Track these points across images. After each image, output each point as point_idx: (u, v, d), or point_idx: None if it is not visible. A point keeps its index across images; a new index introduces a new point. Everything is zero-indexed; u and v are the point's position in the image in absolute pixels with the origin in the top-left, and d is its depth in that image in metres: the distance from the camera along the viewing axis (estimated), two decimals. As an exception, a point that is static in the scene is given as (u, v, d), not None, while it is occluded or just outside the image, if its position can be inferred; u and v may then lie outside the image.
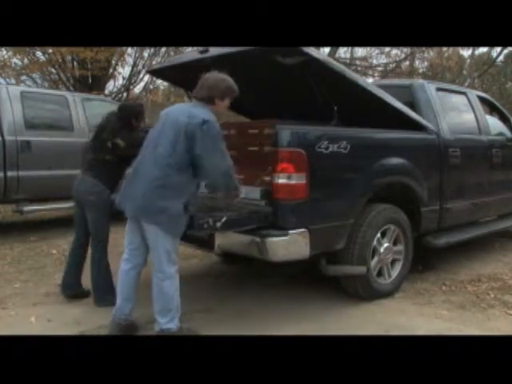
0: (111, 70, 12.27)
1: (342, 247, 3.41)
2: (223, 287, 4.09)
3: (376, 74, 15.06)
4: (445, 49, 14.97)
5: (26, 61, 11.36)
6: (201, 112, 2.72)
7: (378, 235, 3.62)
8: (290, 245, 3.04)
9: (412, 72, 15.35)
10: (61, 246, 5.38)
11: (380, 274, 3.72)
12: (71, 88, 11.54)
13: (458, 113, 4.79)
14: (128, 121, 3.56)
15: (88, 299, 3.67)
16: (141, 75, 13.18)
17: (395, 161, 3.70)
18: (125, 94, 13.47)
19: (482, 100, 5.34)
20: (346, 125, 3.56)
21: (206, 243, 3.34)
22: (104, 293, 3.55)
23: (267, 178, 3.14)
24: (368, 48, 14.95)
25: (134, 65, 12.94)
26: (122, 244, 3.49)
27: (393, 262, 3.82)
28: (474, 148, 4.67)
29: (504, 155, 5.00)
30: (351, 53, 16.20)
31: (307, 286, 4.00)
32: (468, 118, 4.86)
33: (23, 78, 11.72)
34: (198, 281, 4.26)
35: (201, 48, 3.57)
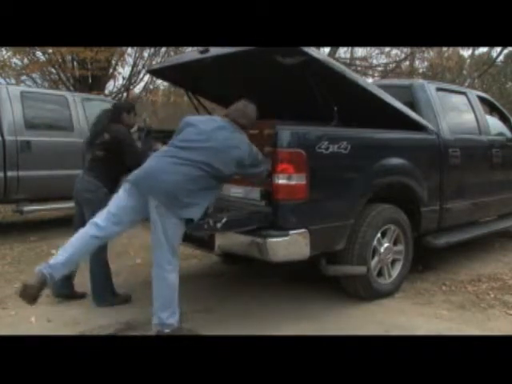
0: (111, 70, 12.28)
1: (342, 247, 3.41)
2: (223, 287, 4.09)
3: (376, 74, 15.06)
4: (445, 49, 14.98)
5: (25, 61, 11.37)
6: (244, 143, 2.97)
7: (378, 235, 3.62)
8: (290, 245, 3.04)
9: (412, 72, 15.36)
10: (61, 246, 5.37)
11: (380, 273, 3.72)
12: (71, 88, 11.54)
13: (458, 113, 4.78)
14: (119, 115, 3.61)
15: (88, 299, 3.66)
16: (141, 75, 13.20)
17: (395, 161, 3.70)
18: (125, 94, 13.47)
19: (482, 100, 5.33)
20: (346, 125, 3.56)
21: (206, 243, 3.34)
22: (103, 293, 3.55)
23: (267, 179, 3.13)
24: (368, 48, 14.96)
25: (134, 65, 12.95)
26: (121, 244, 3.50)
27: (393, 261, 3.82)
28: (474, 148, 4.67)
29: (504, 155, 4.99)
30: (351, 53, 16.21)
31: (307, 285, 4.00)
32: (468, 118, 4.86)
33: (23, 77, 11.73)
34: (197, 281, 4.26)
35: (201, 48, 3.57)
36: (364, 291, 3.62)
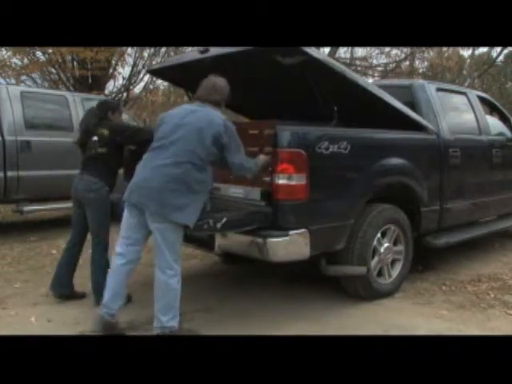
0: (111, 70, 12.27)
1: (342, 247, 3.41)
2: (223, 287, 4.09)
3: (376, 74, 15.05)
4: (445, 49, 14.98)
5: (25, 61, 11.36)
6: (218, 117, 2.83)
7: (378, 235, 3.62)
8: (290, 245, 3.04)
9: (412, 72, 15.35)
10: (61, 246, 5.36)
11: (380, 274, 3.72)
12: (71, 88, 11.54)
13: (458, 113, 4.78)
14: (105, 114, 3.62)
15: (88, 299, 3.66)
16: (141, 75, 13.19)
17: (395, 161, 3.70)
18: (125, 94, 13.47)
19: (482, 100, 5.33)
20: (346, 125, 3.56)
21: (206, 244, 3.34)
22: (103, 293, 3.54)
23: (267, 179, 3.14)
24: (368, 48, 14.96)
25: (134, 65, 12.94)
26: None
27: (393, 262, 3.82)
28: (474, 148, 4.67)
29: (504, 155, 4.99)
30: (351, 53, 16.20)
31: (307, 285, 4.00)
32: (468, 118, 4.86)
33: (23, 77, 11.71)
34: (198, 281, 4.26)
35: (201, 48, 3.57)
36: (364, 291, 3.62)
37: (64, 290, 3.66)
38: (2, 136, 5.66)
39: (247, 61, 3.47)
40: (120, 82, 13.35)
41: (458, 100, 4.87)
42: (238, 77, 4.08)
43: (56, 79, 12.01)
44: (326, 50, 13.75)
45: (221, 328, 3.13)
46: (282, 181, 3.03)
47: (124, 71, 13.27)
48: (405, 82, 5.13)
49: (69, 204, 5.07)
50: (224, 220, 2.84)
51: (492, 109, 5.62)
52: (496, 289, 4.01)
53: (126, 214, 2.94)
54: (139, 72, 13.09)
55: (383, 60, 15.62)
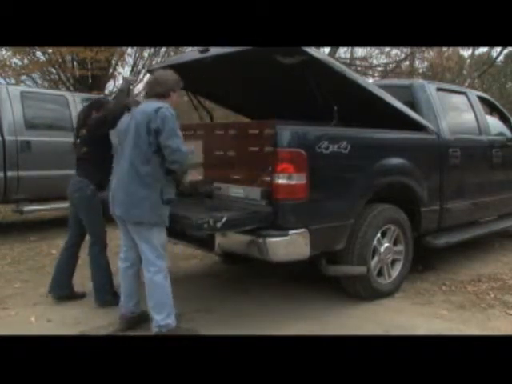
0: (111, 70, 12.28)
1: (342, 247, 3.41)
2: (223, 287, 4.09)
3: (376, 74, 15.06)
4: (445, 49, 14.96)
5: (25, 61, 11.36)
6: (152, 106, 2.83)
7: (379, 235, 3.62)
8: (290, 245, 3.04)
9: (412, 72, 15.35)
10: (61, 246, 5.34)
11: (380, 273, 3.71)
12: (71, 88, 11.54)
13: (458, 113, 4.78)
14: (89, 114, 3.64)
15: (88, 299, 3.67)
16: (141, 75, 13.19)
17: (395, 161, 3.70)
18: (125, 94, 13.43)
19: (482, 100, 5.33)
20: (346, 125, 3.56)
21: (206, 243, 3.34)
22: (103, 293, 3.55)
23: (267, 179, 3.13)
24: (368, 48, 14.96)
25: (134, 65, 12.96)
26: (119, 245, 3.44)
27: (393, 261, 3.82)
28: (474, 148, 4.67)
29: (504, 155, 4.99)
30: (351, 53, 16.21)
31: (307, 285, 4.00)
32: (468, 118, 4.86)
33: (23, 77, 11.71)
34: (198, 281, 4.26)
35: (201, 48, 3.57)
36: (364, 291, 3.62)
37: (63, 292, 3.66)
38: (2, 136, 5.66)
39: (247, 61, 3.47)
40: (120, 82, 13.36)
41: (458, 100, 4.86)
42: (238, 77, 4.10)
43: (56, 79, 12.02)
44: (326, 50, 13.76)
45: (221, 328, 3.13)
46: (282, 180, 3.03)
47: (124, 71, 13.29)
48: (405, 81, 5.13)
49: (68, 204, 5.09)
50: (224, 219, 2.84)
51: (492, 109, 5.62)
52: (496, 289, 4.01)
53: (118, 224, 3.11)
54: (139, 72, 13.10)
55: (383, 60, 15.66)
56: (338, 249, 3.40)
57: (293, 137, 3.07)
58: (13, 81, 11.04)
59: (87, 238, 3.68)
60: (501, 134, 5.25)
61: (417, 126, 4.04)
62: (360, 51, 16.05)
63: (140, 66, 13.04)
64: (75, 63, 11.38)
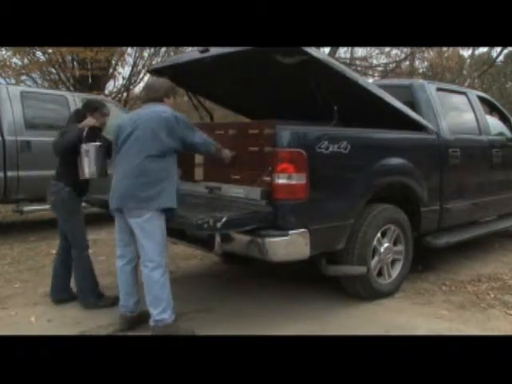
0: (111, 70, 12.29)
1: (342, 247, 3.41)
2: (223, 287, 4.09)
3: (376, 74, 15.07)
4: (445, 49, 14.98)
5: (25, 61, 11.36)
6: (165, 112, 2.98)
7: (379, 235, 3.62)
8: (290, 245, 3.04)
9: (412, 72, 15.37)
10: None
11: (380, 273, 3.71)
12: (71, 88, 11.55)
13: (458, 113, 4.78)
14: (83, 116, 3.59)
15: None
16: (141, 75, 13.21)
17: (395, 161, 3.70)
18: (125, 94, 13.47)
19: (482, 100, 5.33)
20: (346, 125, 3.56)
21: (206, 243, 3.34)
22: (85, 295, 3.55)
23: (267, 178, 3.14)
24: (368, 48, 14.97)
25: (134, 65, 12.97)
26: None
27: (393, 261, 3.82)
28: (474, 148, 4.67)
29: (504, 155, 4.99)
30: (351, 53, 16.22)
31: (307, 285, 4.00)
32: (468, 117, 4.86)
33: (23, 77, 11.72)
34: (198, 281, 4.26)
35: (201, 48, 3.57)
36: (364, 291, 3.62)
37: (62, 296, 3.65)
38: (2, 136, 5.66)
39: (247, 61, 3.47)
40: (120, 81, 13.38)
41: (458, 100, 4.86)
42: (238, 77, 4.10)
43: (56, 79, 12.02)
44: (326, 50, 13.77)
45: (221, 328, 3.13)
46: (281, 180, 3.03)
47: (124, 71, 13.33)
48: (405, 81, 5.12)
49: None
50: (224, 219, 2.84)
51: (492, 109, 5.62)
52: (496, 289, 4.01)
53: (115, 219, 3.13)
54: (139, 72, 13.11)
55: (383, 60, 15.67)
56: (338, 249, 3.40)
57: (293, 137, 3.07)
58: (13, 81, 11.05)
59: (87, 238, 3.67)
60: (501, 133, 5.26)
61: (417, 126, 4.04)
62: (360, 51, 16.08)
63: (140, 66, 13.07)
64: (75, 63, 11.39)
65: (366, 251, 3.52)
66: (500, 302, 3.71)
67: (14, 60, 11.14)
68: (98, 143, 3.47)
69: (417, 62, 16.15)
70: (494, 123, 5.31)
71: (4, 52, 10.86)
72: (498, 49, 17.24)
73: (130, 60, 12.84)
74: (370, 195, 3.54)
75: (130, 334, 3.07)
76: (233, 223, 2.92)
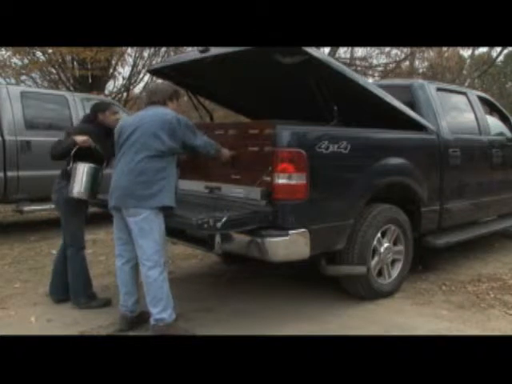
0: (111, 70, 12.29)
1: (342, 247, 3.41)
2: (223, 287, 4.09)
3: (376, 74, 15.07)
4: (445, 49, 14.97)
5: (25, 61, 11.36)
6: (168, 114, 2.99)
7: (379, 235, 3.62)
8: (290, 245, 3.04)
9: (412, 72, 15.37)
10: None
11: (380, 273, 3.71)
12: (71, 88, 11.54)
13: (458, 113, 4.78)
14: (94, 117, 3.64)
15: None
16: (141, 75, 13.20)
17: (395, 161, 3.70)
18: (125, 94, 13.47)
19: (482, 100, 5.33)
20: (346, 125, 3.56)
21: (206, 243, 3.34)
22: (77, 295, 3.55)
23: (267, 178, 3.14)
24: (368, 48, 14.95)
25: (134, 65, 12.96)
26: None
27: (393, 261, 3.82)
28: (473, 148, 4.67)
29: (504, 155, 4.99)
30: (351, 53, 16.20)
31: (307, 285, 4.00)
32: (468, 117, 4.86)
33: (23, 77, 11.72)
34: (198, 281, 4.26)
35: (201, 47, 3.57)
36: (364, 291, 3.62)
37: (62, 295, 3.65)
38: (2, 136, 5.66)
39: (247, 61, 3.47)
40: (120, 81, 13.38)
41: (458, 100, 4.86)
42: (238, 76, 4.10)
43: (56, 79, 12.02)
44: (326, 50, 13.76)
45: (221, 328, 3.13)
46: (281, 180, 3.03)
47: (124, 71, 13.32)
48: (405, 81, 5.13)
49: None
50: (224, 219, 2.84)
51: (492, 109, 5.62)
52: (496, 289, 4.01)
53: (114, 218, 3.14)
54: (139, 72, 13.11)
55: (383, 60, 15.64)
56: (338, 249, 3.40)
57: (293, 137, 3.07)
58: (13, 81, 11.05)
59: (86, 238, 3.67)
60: (501, 134, 5.25)
61: (417, 126, 4.04)
62: (360, 51, 16.05)
63: (140, 66, 13.05)
64: (75, 63, 11.38)
65: (366, 251, 3.51)
66: (500, 302, 3.71)
67: (14, 60, 11.15)
68: (87, 164, 3.42)
69: (417, 62, 16.16)
70: (494, 123, 5.31)
71: (4, 52, 10.86)
72: (498, 49, 17.24)
73: (130, 60, 12.86)
74: (370, 195, 3.53)
75: (130, 334, 3.07)
76: (233, 223, 2.92)
